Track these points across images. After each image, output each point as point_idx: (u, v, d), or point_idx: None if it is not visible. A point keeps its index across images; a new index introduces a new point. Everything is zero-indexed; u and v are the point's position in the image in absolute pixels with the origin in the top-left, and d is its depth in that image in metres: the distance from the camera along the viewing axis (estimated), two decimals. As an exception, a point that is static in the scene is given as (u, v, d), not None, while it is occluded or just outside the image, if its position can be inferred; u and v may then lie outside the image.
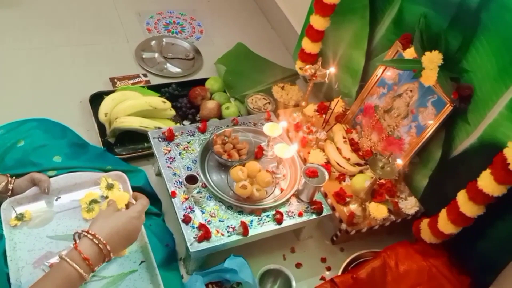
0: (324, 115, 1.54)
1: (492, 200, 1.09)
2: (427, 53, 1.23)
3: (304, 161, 1.43)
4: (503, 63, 1.10)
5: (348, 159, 1.44)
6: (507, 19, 1.07)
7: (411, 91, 1.36)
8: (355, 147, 1.50)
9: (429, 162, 1.34)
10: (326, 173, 1.26)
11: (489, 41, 1.13)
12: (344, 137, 1.50)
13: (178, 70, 1.81)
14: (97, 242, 0.81)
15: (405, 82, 1.38)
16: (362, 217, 1.32)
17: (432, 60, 1.23)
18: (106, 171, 1.21)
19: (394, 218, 1.34)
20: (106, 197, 1.12)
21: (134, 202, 0.99)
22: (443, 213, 1.20)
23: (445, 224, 1.19)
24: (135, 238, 0.90)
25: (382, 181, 1.38)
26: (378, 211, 1.31)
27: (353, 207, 1.33)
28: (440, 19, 1.24)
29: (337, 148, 1.47)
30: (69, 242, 1.04)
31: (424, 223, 1.29)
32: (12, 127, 1.23)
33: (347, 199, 1.35)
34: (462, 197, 1.14)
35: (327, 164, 1.42)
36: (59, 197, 1.12)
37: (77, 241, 0.82)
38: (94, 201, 1.11)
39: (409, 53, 1.33)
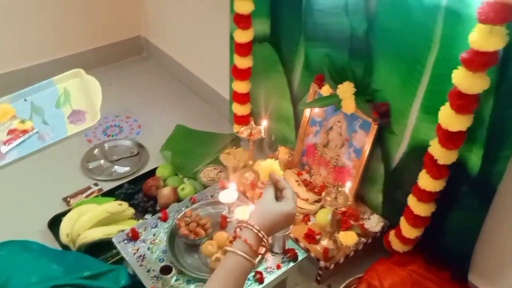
0: (273, 167, 1.63)
1: (436, 195, 1.18)
2: (340, 86, 1.37)
3: (268, 215, 1.48)
4: (403, 75, 1.24)
5: (307, 199, 1.52)
6: (390, 38, 1.23)
7: (339, 121, 1.47)
8: (309, 186, 1.58)
9: (377, 179, 1.44)
10: (289, 220, 1.32)
11: (386, 60, 1.27)
12: (297, 180, 1.58)
13: (126, 169, 1.86)
14: (261, 235, 0.86)
15: (331, 115, 1.49)
16: (336, 249, 1.37)
17: (346, 90, 1.36)
18: (85, 278, 1.23)
19: (365, 239, 1.41)
20: None
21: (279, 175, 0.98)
22: (402, 221, 1.29)
23: (408, 230, 1.27)
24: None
25: (343, 209, 1.45)
26: (348, 238, 1.38)
27: (325, 242, 1.38)
28: (340, 54, 1.39)
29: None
30: None
31: (392, 235, 1.36)
32: None
33: (317, 237, 1.41)
34: (412, 201, 1.23)
35: (290, 211, 1.49)
36: None
37: (241, 232, 0.87)
38: None
39: (326, 90, 1.45)
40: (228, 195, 1.39)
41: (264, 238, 0.86)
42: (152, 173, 1.77)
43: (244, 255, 0.83)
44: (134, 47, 2.63)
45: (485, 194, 1.15)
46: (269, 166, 0.99)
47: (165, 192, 1.63)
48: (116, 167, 1.87)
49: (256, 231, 0.86)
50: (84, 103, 1.12)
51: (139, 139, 2.02)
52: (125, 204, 1.55)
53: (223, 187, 1.54)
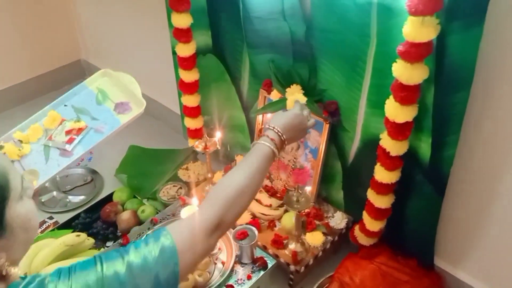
0: (233, 177, 1.61)
1: (394, 186, 1.21)
2: (287, 89, 1.38)
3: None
4: (347, 73, 1.26)
5: (270, 205, 1.51)
6: (329, 38, 1.25)
7: (292, 124, 1.48)
8: (271, 192, 1.58)
9: (336, 176, 1.46)
10: (254, 229, 1.31)
11: (328, 60, 1.29)
12: (258, 188, 1.57)
13: (81, 197, 1.79)
14: (277, 131, 1.05)
15: (284, 119, 1.50)
16: (304, 252, 1.38)
17: (294, 93, 1.37)
18: None
19: (332, 238, 1.42)
20: None
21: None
22: (365, 215, 1.31)
23: (371, 223, 1.29)
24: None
25: (307, 210, 1.46)
26: (315, 238, 1.38)
27: (293, 246, 1.38)
28: (284, 58, 1.40)
29: (256, 200, 1.54)
30: None
31: (357, 230, 1.38)
32: None
33: (285, 242, 1.41)
34: (371, 194, 1.25)
35: (255, 219, 1.48)
36: None
37: (264, 132, 1.07)
38: None
39: (275, 95, 1.46)
40: (190, 211, 1.36)
41: (279, 133, 1.05)
42: (109, 198, 1.71)
43: (264, 142, 1.02)
44: (75, 71, 2.54)
45: (439, 180, 1.19)
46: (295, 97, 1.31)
47: (125, 217, 1.58)
48: (70, 197, 1.80)
49: (272, 128, 1.06)
50: (123, 96, 1.24)
51: (92, 165, 1.95)
52: (83, 235, 1.49)
53: (185, 204, 1.52)
